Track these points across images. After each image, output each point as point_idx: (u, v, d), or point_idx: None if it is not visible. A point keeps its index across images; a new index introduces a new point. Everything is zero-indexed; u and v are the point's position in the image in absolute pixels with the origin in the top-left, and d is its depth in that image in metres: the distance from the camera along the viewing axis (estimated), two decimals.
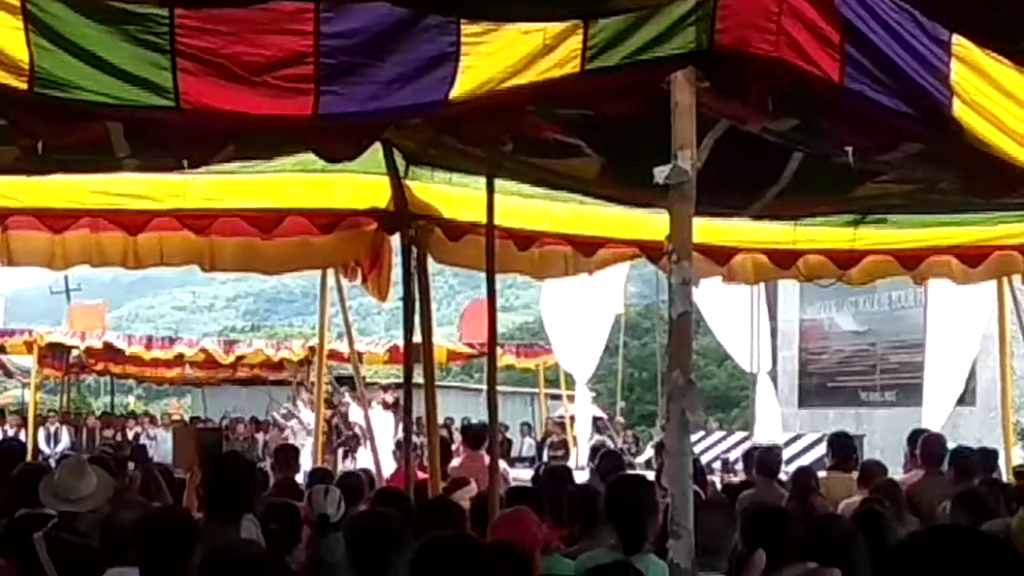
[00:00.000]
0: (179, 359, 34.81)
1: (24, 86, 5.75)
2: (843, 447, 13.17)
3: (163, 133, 6.38)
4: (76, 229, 10.82)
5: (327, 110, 6.07)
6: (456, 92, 6.12)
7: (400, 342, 15.53)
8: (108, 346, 32.69)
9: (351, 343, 16.12)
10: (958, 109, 6.22)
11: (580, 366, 24.03)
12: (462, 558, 4.79)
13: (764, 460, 12.70)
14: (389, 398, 25.49)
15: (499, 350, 32.23)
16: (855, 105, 6.25)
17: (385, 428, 19.29)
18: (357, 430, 25.00)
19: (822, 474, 12.83)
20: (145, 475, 11.25)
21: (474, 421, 25.31)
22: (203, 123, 6.20)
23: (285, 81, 5.94)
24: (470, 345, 31.75)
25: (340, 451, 26.85)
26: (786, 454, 19.08)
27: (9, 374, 41.04)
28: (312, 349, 27.52)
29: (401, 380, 14.31)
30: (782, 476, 12.62)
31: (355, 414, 23.87)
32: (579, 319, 22.10)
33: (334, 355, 22.86)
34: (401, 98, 6.12)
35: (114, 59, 5.76)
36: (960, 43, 6.09)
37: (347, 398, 25.61)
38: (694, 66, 6.11)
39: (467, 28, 5.98)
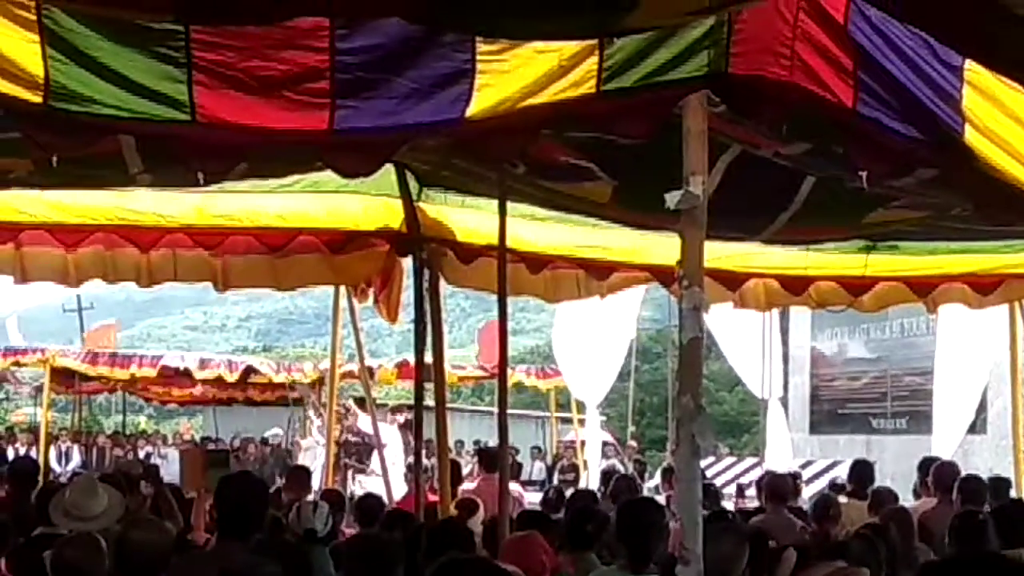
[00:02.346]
0: (190, 378, 34.80)
1: (39, 100, 5.78)
2: (862, 474, 13.19)
3: (179, 147, 6.37)
4: (89, 245, 10.82)
5: (343, 125, 6.09)
6: (473, 110, 6.13)
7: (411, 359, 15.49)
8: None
9: (362, 361, 16.11)
10: (970, 136, 6.22)
11: (592, 391, 23.92)
12: None
13: (774, 486, 12.67)
14: (400, 419, 25.47)
15: (517, 371, 32.37)
16: (868, 130, 6.25)
17: (395, 448, 19.24)
18: (365, 439, 25.01)
19: (842, 500, 12.83)
20: (156, 494, 11.26)
21: (484, 444, 25.32)
22: (219, 137, 6.20)
23: (301, 95, 5.96)
24: (482, 368, 31.74)
25: (350, 472, 26.85)
26: None
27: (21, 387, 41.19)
28: (323, 371, 27.51)
29: (411, 400, 14.28)
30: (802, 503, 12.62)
31: (364, 423, 23.77)
32: (593, 344, 22.00)
33: (346, 376, 22.82)
34: (417, 114, 6.13)
35: (129, 73, 5.78)
36: (972, 69, 6.08)
37: (355, 408, 25.58)
38: (709, 90, 6.13)
39: (482, 46, 5.99)
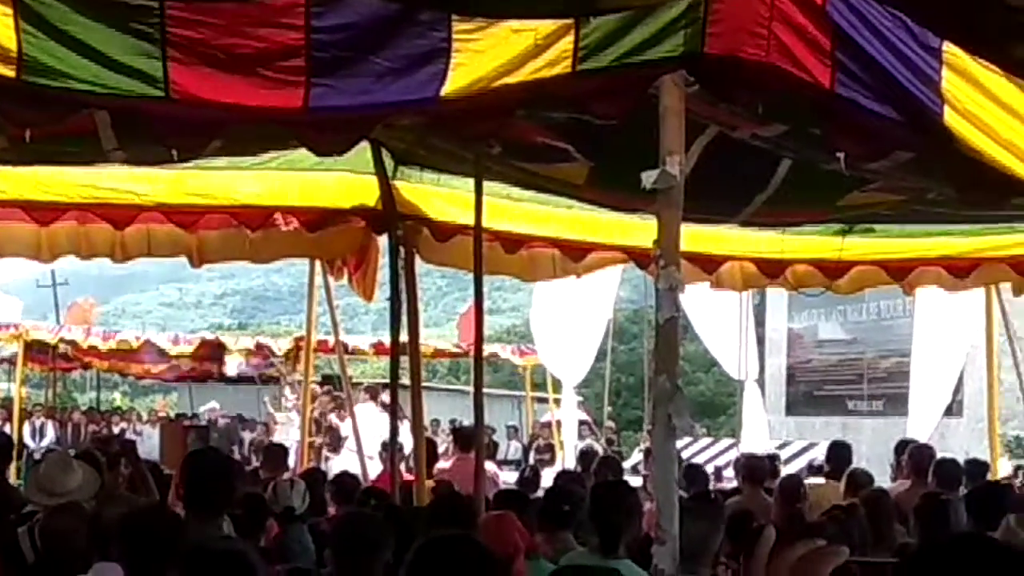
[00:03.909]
0: (165, 355, 34.83)
1: (12, 74, 5.72)
2: (840, 456, 13.25)
3: (153, 123, 6.33)
4: (63, 222, 10.77)
5: (318, 103, 6.05)
6: (447, 89, 6.10)
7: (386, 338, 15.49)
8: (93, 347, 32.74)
9: (337, 338, 16.08)
10: (949, 117, 6.20)
11: (570, 370, 23.90)
12: (462, 559, 4.77)
13: (751, 467, 12.72)
14: (385, 398, 25.43)
15: (501, 349, 32.36)
16: (847, 112, 6.23)
17: (380, 429, 19.19)
18: (335, 425, 25.04)
19: (819, 480, 12.90)
20: (133, 471, 11.23)
21: (460, 423, 25.31)
22: (193, 113, 6.16)
23: (276, 73, 5.92)
24: (457, 346, 31.75)
25: (323, 451, 26.84)
26: None
27: None
28: (298, 341, 27.49)
29: (387, 379, 14.26)
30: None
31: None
32: (571, 323, 21.98)
33: (320, 347, 22.76)
34: (392, 93, 6.10)
35: (104, 48, 5.73)
36: (951, 51, 6.07)
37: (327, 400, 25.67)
38: (685, 70, 6.10)
39: (458, 25, 5.96)
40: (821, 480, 13.03)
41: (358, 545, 6.65)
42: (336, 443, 25.19)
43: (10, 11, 5.58)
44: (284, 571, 7.25)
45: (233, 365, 35.94)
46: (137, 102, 5.96)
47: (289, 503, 9.50)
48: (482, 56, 6.05)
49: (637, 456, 24.17)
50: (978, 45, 6.03)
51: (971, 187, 7.20)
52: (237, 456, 27.60)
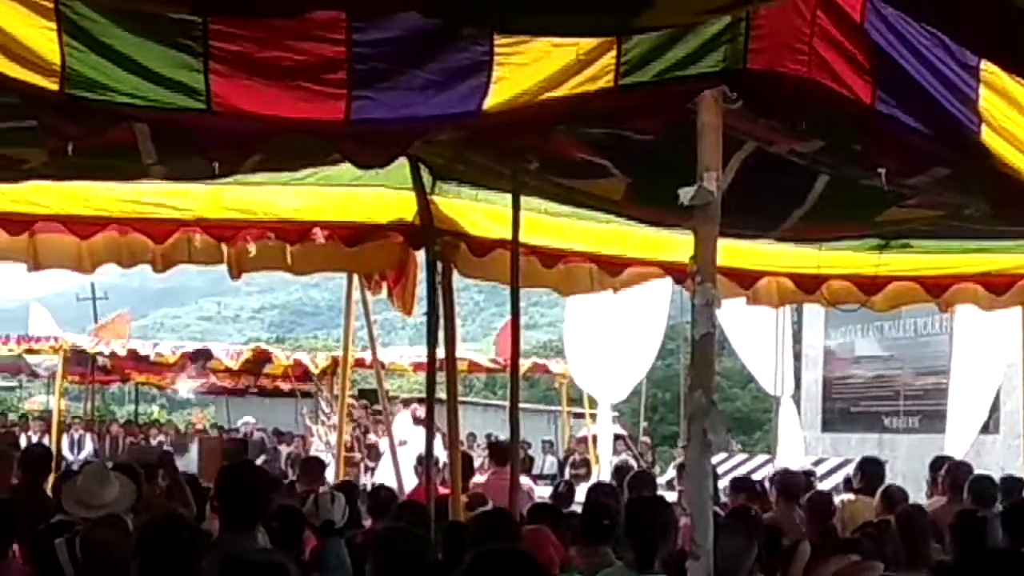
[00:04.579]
0: (204, 368, 34.91)
1: (55, 87, 5.79)
2: (872, 472, 13.19)
3: (194, 136, 6.38)
4: (103, 234, 10.83)
5: (360, 115, 6.09)
6: (490, 103, 6.14)
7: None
8: (132, 353, 32.75)
9: (375, 353, 16.11)
10: (986, 135, 6.22)
11: (609, 388, 23.66)
12: (516, 572, 4.78)
13: (785, 483, 12.69)
14: (421, 412, 25.45)
15: (546, 361, 32.30)
16: (887, 128, 6.25)
17: (416, 443, 19.18)
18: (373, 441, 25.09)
19: (850, 497, 12.84)
20: (171, 483, 11.28)
21: (496, 437, 25.29)
22: (234, 126, 6.21)
23: (318, 85, 5.97)
24: (494, 361, 31.74)
25: (361, 466, 26.92)
26: None
27: (35, 375, 41.28)
28: (335, 359, 27.51)
29: (423, 394, 14.29)
30: None
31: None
32: (612, 340, 21.76)
33: (358, 364, 22.81)
34: (434, 107, 6.14)
35: (146, 61, 5.79)
36: (988, 69, 6.09)
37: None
38: (727, 85, 6.12)
39: (500, 39, 6.00)
40: (851, 497, 12.97)
41: (400, 560, 6.68)
42: (376, 458, 25.26)
43: (54, 25, 5.65)
44: None
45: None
46: (179, 115, 6.02)
47: (330, 516, 9.52)
48: (524, 70, 6.09)
49: (672, 472, 24.09)
50: (1016, 64, 6.03)
51: (1007, 204, 7.20)
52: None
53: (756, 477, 19.87)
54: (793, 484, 12.69)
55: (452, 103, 6.14)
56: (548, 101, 6.17)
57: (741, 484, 13.07)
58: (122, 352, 32.59)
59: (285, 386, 36.22)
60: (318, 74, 5.95)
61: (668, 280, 13.39)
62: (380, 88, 6.06)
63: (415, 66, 6.01)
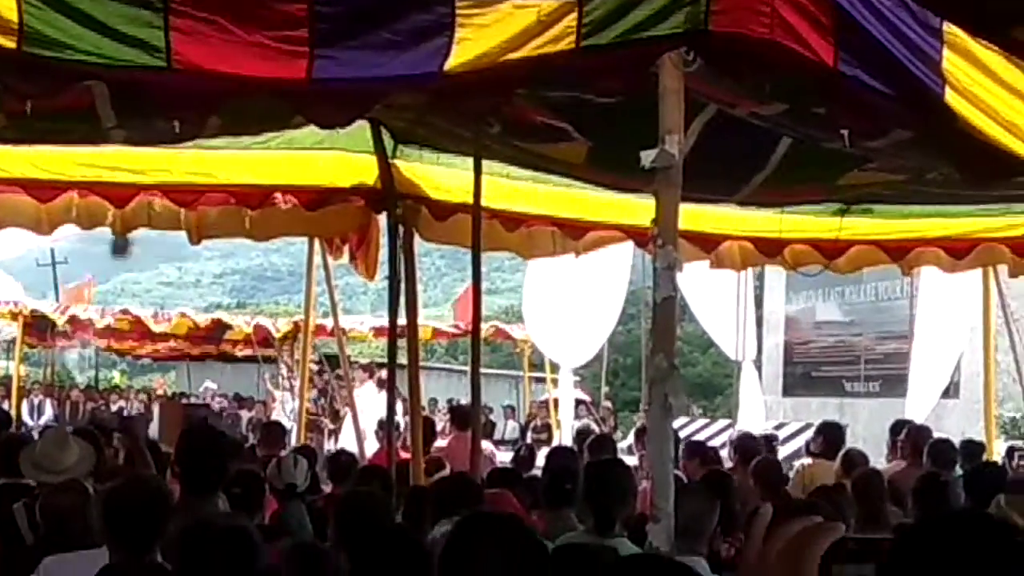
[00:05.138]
0: (163, 334, 34.78)
1: (13, 45, 5.72)
2: (832, 436, 13.24)
3: (153, 95, 6.33)
4: (63, 197, 10.76)
5: (321, 74, 6.06)
6: (451, 64, 6.11)
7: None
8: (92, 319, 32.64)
9: (336, 320, 16.07)
10: (950, 97, 6.23)
11: (570, 353, 23.65)
12: (509, 539, 4.74)
13: (745, 447, 12.75)
14: (384, 376, 25.39)
15: (508, 327, 32.26)
16: (849, 90, 6.24)
17: (377, 408, 19.16)
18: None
19: (807, 461, 12.90)
20: (131, 448, 11.23)
21: (457, 402, 25.28)
22: (195, 84, 6.15)
23: (279, 43, 5.92)
24: (455, 327, 31.73)
25: (326, 431, 26.90)
26: None
27: None
28: (297, 324, 27.46)
29: (385, 359, 14.26)
30: None
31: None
32: (572, 305, 21.72)
33: (319, 331, 22.76)
34: (396, 67, 6.11)
35: (105, 18, 5.73)
36: (951, 31, 6.09)
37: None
38: (689, 47, 6.10)
39: (461, 0, 5.97)
40: (809, 460, 13.04)
41: (362, 523, 6.67)
42: (337, 421, 25.28)
43: None
44: (288, 546, 7.25)
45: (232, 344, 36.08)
46: (138, 72, 5.96)
47: (292, 480, 9.53)
48: (486, 31, 6.06)
49: (633, 437, 24.14)
50: (978, 25, 6.03)
51: (971, 166, 7.21)
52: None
53: (717, 442, 19.98)
54: (752, 448, 12.75)
55: (414, 64, 6.11)
56: (509, 62, 6.14)
57: (695, 449, 13.06)
58: (83, 317, 32.45)
59: (247, 351, 36.09)
60: (280, 30, 5.90)
61: (629, 244, 13.42)
62: (342, 47, 6.03)
63: (377, 25, 5.98)
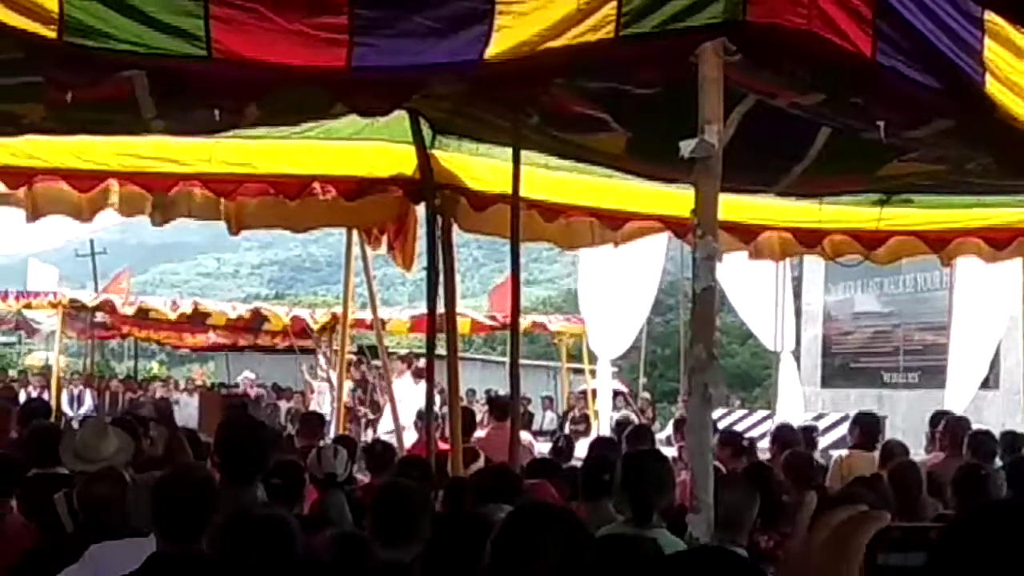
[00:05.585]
0: (204, 324, 34.84)
1: (54, 35, 5.75)
2: (868, 427, 13.19)
3: (194, 83, 6.35)
4: (101, 187, 10.79)
5: (361, 62, 6.07)
6: (491, 52, 6.12)
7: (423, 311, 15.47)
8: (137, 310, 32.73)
9: (375, 311, 16.09)
10: (991, 86, 6.19)
11: (611, 344, 23.67)
12: (559, 529, 4.71)
13: (785, 438, 12.73)
14: (422, 366, 25.42)
15: (546, 319, 32.21)
16: (887, 80, 6.21)
17: (416, 399, 19.18)
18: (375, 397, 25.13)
19: (844, 452, 12.86)
20: (170, 437, 11.27)
21: (496, 393, 25.29)
22: (235, 73, 6.18)
23: (319, 31, 5.93)
24: (492, 318, 31.73)
25: (363, 421, 26.96)
26: None
27: (32, 333, 41.34)
28: (335, 315, 27.50)
29: (423, 349, 14.28)
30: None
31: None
32: (614, 296, 21.78)
33: (357, 324, 22.81)
34: (436, 55, 6.13)
35: (145, 7, 5.77)
36: (993, 20, 6.06)
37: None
38: (727, 37, 6.08)
39: None
40: (846, 452, 13.00)
41: (401, 514, 6.67)
42: (377, 411, 25.34)
43: None
44: (330, 536, 7.25)
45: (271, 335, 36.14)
46: (179, 61, 5.98)
47: (332, 469, 9.55)
48: (526, 19, 6.06)
49: (672, 428, 24.09)
50: (1020, 14, 6.00)
51: (1012, 155, 7.17)
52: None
53: (755, 433, 19.94)
54: (791, 439, 12.73)
55: (454, 51, 6.12)
56: (549, 51, 6.14)
57: (728, 438, 13.03)
58: (123, 309, 32.55)
59: (285, 342, 36.15)
60: (319, 18, 5.91)
61: (663, 235, 13.41)
62: (381, 35, 6.04)
63: (417, 13, 5.98)
